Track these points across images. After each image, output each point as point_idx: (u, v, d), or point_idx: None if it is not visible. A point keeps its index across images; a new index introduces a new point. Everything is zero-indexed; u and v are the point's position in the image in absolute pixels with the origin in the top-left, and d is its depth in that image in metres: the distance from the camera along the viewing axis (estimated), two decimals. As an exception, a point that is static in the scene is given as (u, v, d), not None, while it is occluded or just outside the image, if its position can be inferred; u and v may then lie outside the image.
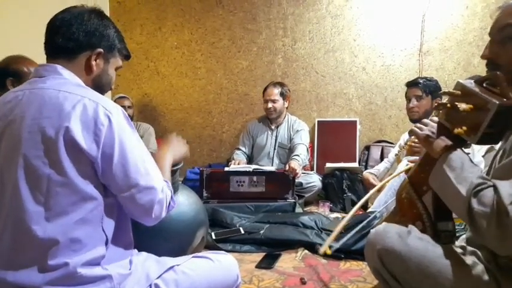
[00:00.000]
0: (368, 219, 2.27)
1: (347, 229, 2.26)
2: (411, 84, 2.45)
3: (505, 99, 0.92)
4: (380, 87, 3.67)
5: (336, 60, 3.72)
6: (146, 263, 1.06)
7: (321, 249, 1.77)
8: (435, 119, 1.08)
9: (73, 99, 0.93)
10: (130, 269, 1.00)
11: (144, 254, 1.12)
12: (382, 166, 2.74)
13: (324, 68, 3.75)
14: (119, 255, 1.01)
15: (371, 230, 1.16)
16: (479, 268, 0.98)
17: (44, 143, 0.90)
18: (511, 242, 0.81)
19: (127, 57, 1.18)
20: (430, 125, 1.09)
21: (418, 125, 1.12)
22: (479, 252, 1.05)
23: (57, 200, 0.90)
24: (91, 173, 0.93)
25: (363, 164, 3.53)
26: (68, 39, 1.03)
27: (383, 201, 2.33)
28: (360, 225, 2.18)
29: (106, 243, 0.97)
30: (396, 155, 2.70)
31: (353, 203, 2.96)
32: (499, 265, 0.99)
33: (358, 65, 3.69)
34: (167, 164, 1.20)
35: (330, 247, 1.77)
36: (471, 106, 0.94)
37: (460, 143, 1.02)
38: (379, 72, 3.66)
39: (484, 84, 1.00)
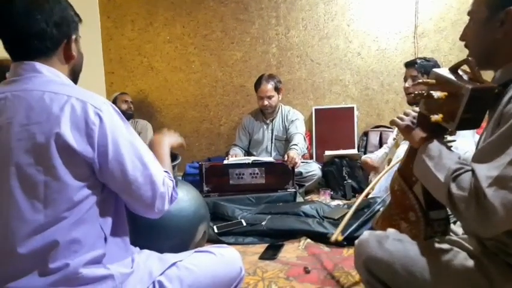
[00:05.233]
0: (370, 205, 2.28)
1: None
2: (408, 65, 2.43)
3: (478, 84, 0.93)
4: (376, 72, 3.65)
5: (330, 46, 3.69)
6: (148, 261, 1.06)
7: (333, 237, 1.79)
8: (417, 109, 1.08)
9: (60, 100, 0.90)
10: (132, 268, 1.00)
11: (146, 251, 1.12)
12: (381, 152, 2.73)
13: (318, 55, 3.72)
14: (119, 250, 1.01)
15: (355, 241, 1.16)
16: (461, 256, 0.99)
17: (36, 150, 0.88)
18: (491, 223, 0.81)
19: (80, 21, 1.06)
20: (411, 115, 1.10)
21: (400, 115, 1.13)
22: (461, 241, 1.05)
23: (55, 205, 0.88)
24: (87, 174, 0.92)
25: (362, 150, 3.53)
26: (43, 39, 0.95)
27: (383, 186, 2.33)
28: (366, 212, 2.19)
29: (106, 240, 0.96)
30: (394, 139, 2.69)
31: (354, 190, 2.97)
32: (487, 248, 0.99)
33: (353, 50, 3.66)
34: (165, 149, 1.20)
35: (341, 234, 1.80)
36: (445, 93, 0.95)
37: (441, 130, 1.03)
38: (374, 56, 3.64)
39: (459, 71, 1.01)
